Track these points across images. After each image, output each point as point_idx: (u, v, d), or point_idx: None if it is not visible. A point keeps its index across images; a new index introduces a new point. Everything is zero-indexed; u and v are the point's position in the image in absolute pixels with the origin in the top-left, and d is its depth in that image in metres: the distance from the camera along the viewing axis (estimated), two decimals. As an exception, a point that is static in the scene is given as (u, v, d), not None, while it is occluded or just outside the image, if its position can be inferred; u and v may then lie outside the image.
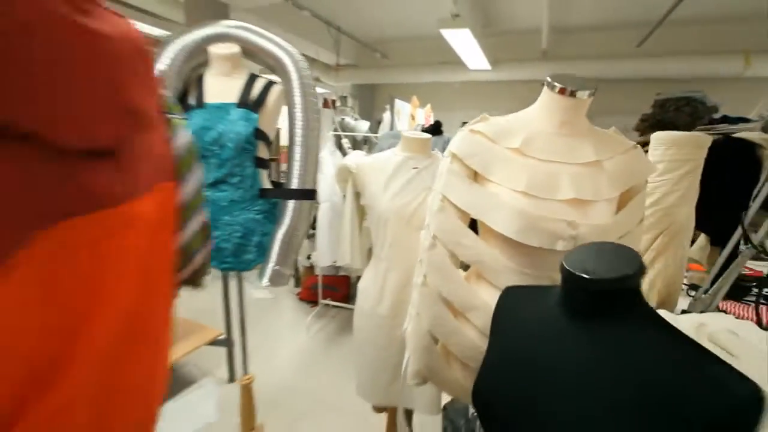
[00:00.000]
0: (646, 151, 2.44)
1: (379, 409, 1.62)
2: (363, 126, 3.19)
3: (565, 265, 0.51)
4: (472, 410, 1.77)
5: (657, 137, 1.03)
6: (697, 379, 0.43)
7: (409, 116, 3.73)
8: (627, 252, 0.50)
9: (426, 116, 4.19)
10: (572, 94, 0.73)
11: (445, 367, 0.88)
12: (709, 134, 1.18)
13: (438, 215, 0.80)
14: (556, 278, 0.58)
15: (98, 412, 0.33)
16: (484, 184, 0.78)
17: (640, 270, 0.48)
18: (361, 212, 2.81)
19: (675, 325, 0.51)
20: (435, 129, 2.49)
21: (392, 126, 3.15)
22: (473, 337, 0.81)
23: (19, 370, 0.23)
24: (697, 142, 0.95)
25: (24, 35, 0.22)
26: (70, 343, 0.26)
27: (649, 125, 2.61)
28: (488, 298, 0.78)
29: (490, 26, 4.59)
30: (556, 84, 0.74)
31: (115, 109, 0.28)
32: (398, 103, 3.38)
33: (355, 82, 5.67)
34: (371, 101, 6.45)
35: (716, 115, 2.56)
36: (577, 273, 0.50)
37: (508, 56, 4.80)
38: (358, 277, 3.69)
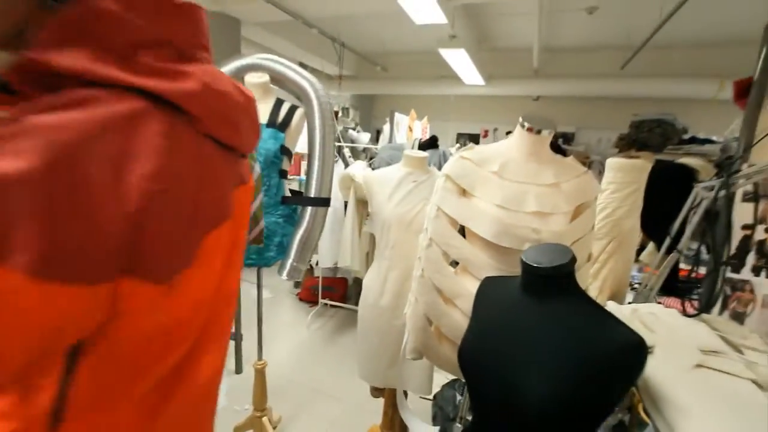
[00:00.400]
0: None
1: (376, 394, 1.82)
2: (364, 138, 3.42)
3: (523, 258, 0.74)
4: (459, 397, 1.98)
5: (609, 163, 1.27)
6: (605, 332, 0.66)
7: (407, 128, 3.97)
8: (564, 249, 0.72)
9: (423, 128, 4.43)
10: (538, 132, 0.96)
11: (437, 345, 1.09)
12: (665, 156, 1.41)
13: (434, 222, 1.02)
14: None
15: (223, 337, 0.55)
16: (470, 198, 1.00)
17: (571, 261, 0.70)
18: (361, 218, 3.03)
19: (618, 311, 0.73)
20: (431, 143, 2.72)
21: (391, 137, 3.38)
22: (459, 319, 1.03)
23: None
24: (639, 168, 1.18)
25: (244, 113, 0.48)
26: (239, 250, 0.51)
27: (626, 143, 2.87)
28: (471, 287, 1.00)
29: (485, 43, 4.86)
30: (525, 124, 0.97)
31: (257, 133, 0.53)
32: (397, 115, 3.61)
33: (356, 92, 5.91)
34: (369, 111, 6.69)
35: (686, 136, 2.83)
36: (530, 263, 0.72)
37: (501, 72, 5.07)
38: (355, 279, 3.89)
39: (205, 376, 0.51)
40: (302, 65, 5.24)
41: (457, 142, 6.30)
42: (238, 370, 2.44)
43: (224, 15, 3.59)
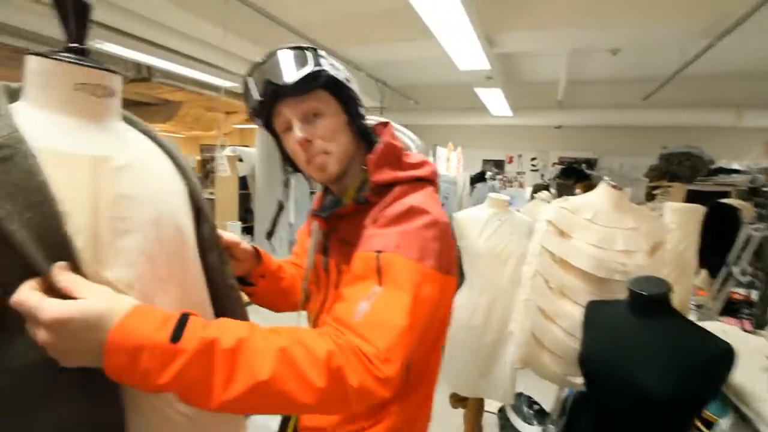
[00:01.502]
0: (654, 195, 2.93)
1: (456, 405, 2.05)
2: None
3: (630, 288, 1.01)
4: (525, 408, 2.20)
5: (669, 207, 1.55)
6: (700, 342, 0.92)
7: (445, 160, 4.29)
8: (660, 280, 1.00)
9: (458, 158, 4.76)
10: (620, 189, 1.24)
11: (540, 356, 1.35)
12: (696, 186, 1.66)
13: (539, 257, 1.31)
14: (614, 297, 1.07)
15: None
16: (568, 239, 1.28)
17: (669, 290, 0.97)
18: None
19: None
20: (480, 177, 3.02)
21: (435, 170, 3.67)
22: (561, 335, 1.29)
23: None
24: (695, 212, 1.46)
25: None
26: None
27: (657, 175, 3.13)
28: (570, 309, 1.27)
29: (513, 78, 5.23)
30: (611, 182, 1.26)
31: None
32: (438, 149, 3.94)
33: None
34: (398, 139, 7.05)
35: (712, 167, 3.08)
36: (638, 291, 0.99)
37: (526, 104, 5.41)
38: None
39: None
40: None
41: (483, 169, 6.61)
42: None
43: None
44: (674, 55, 3.63)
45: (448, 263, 0.64)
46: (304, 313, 0.84)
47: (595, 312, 1.13)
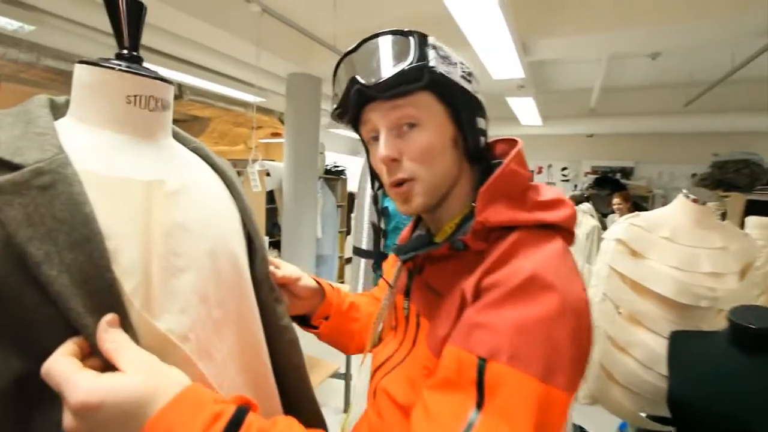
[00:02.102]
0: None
1: None
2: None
3: (734, 320, 0.87)
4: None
5: (751, 222, 1.39)
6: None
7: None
8: (772, 312, 0.85)
9: (487, 169, 4.62)
10: (704, 203, 1.10)
11: (609, 391, 1.21)
12: (756, 196, 1.48)
13: (607, 280, 1.17)
14: (697, 326, 0.93)
15: None
16: (642, 260, 1.15)
17: (786, 324, 0.83)
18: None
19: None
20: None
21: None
22: (634, 366, 1.14)
23: None
24: (784, 226, 1.30)
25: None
26: None
27: (710, 184, 2.92)
28: (646, 338, 1.13)
29: (544, 86, 5.08)
30: (690, 195, 1.12)
31: None
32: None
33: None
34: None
35: (775, 175, 2.84)
36: (744, 324, 0.85)
37: (557, 113, 5.24)
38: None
39: None
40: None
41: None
42: (346, 409, 2.57)
43: (308, 75, 3.98)
44: (722, 57, 3.42)
45: (581, 368, 0.42)
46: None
47: (683, 344, 0.99)
